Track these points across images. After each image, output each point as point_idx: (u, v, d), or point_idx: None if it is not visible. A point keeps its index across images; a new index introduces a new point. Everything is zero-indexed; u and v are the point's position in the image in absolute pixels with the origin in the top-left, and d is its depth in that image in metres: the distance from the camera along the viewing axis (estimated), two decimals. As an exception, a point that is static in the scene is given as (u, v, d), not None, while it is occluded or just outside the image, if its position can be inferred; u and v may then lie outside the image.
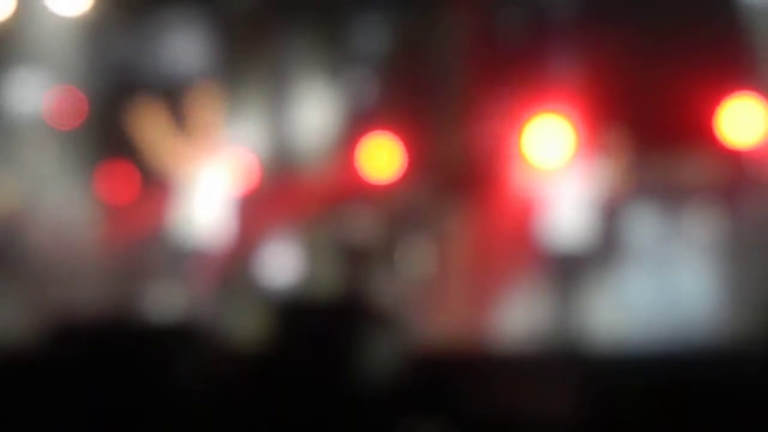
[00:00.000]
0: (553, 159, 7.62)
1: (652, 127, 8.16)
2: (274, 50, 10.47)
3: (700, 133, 8.02)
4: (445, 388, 4.63)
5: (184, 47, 11.59)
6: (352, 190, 9.45)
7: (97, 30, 10.51)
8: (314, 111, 10.05)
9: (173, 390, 4.40)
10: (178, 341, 4.51)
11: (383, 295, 8.48)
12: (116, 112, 9.81)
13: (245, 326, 9.40)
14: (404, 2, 9.89)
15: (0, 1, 9.99)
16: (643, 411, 4.13)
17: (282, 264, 10.02)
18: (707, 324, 7.82)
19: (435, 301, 8.73)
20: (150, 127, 6.09)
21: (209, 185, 6.04)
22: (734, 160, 8.02)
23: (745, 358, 4.61)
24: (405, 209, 9.04)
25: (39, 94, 11.37)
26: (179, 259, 6.02)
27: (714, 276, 8.11)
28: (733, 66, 7.98)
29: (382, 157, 9.19)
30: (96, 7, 10.17)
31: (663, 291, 8.20)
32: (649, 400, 4.11)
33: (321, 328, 4.33)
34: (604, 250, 8.09)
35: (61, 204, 9.28)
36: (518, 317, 7.91)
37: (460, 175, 8.56)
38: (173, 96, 8.63)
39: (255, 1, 10.62)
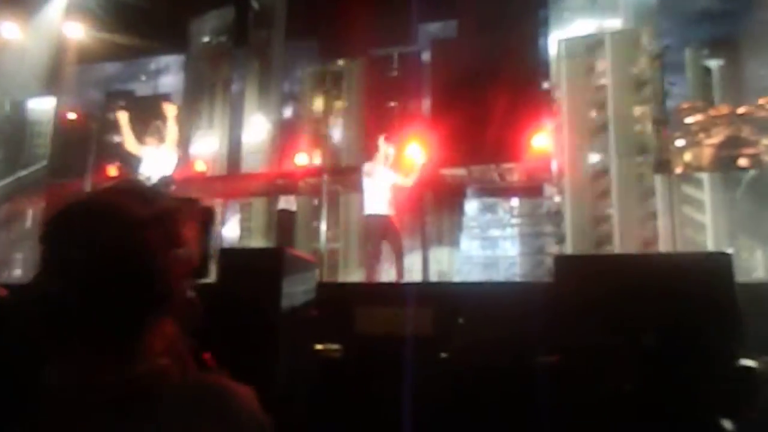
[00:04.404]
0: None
1: (486, 149, 8.34)
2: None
3: (516, 151, 8.10)
4: (343, 309, 4.67)
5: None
6: (282, 180, 9.40)
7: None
8: (256, 129, 9.99)
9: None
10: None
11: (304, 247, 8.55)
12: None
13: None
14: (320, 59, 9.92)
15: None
16: (472, 321, 4.39)
17: (233, 224, 9.96)
18: (510, 265, 8.33)
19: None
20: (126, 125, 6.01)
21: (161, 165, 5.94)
22: (534, 170, 8.23)
23: (531, 288, 4.87)
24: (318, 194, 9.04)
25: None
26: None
27: (515, 236, 8.57)
28: (535, 112, 8.09)
29: (303, 162, 9.13)
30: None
31: (485, 244, 8.61)
32: (475, 314, 4.37)
33: (254, 266, 4.00)
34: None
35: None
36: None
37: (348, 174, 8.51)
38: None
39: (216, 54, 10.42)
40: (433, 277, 8.00)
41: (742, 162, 7.46)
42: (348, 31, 9.08)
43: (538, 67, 8.53)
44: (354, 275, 8.63)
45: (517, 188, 8.56)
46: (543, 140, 7.78)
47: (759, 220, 7.03)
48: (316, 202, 9.12)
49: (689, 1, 9.08)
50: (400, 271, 6.15)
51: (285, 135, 9.86)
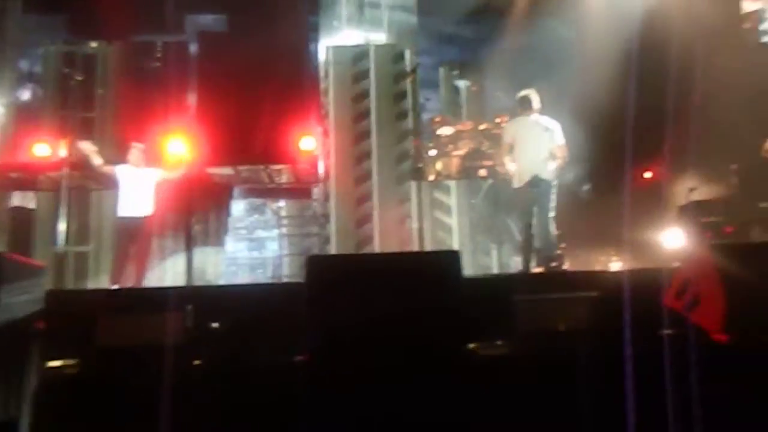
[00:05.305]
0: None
1: (255, 149, 8.26)
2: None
3: (285, 153, 8.13)
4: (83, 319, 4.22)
5: None
6: (16, 174, 8.11)
7: None
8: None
9: None
10: None
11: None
12: None
13: None
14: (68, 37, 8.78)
15: None
16: (229, 324, 4.26)
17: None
18: (277, 267, 8.37)
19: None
20: None
21: None
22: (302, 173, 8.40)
23: (287, 288, 4.92)
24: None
25: None
26: None
27: (283, 237, 8.63)
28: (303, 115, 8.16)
29: (44, 153, 7.96)
30: None
31: (252, 245, 8.51)
32: (232, 317, 4.25)
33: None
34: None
35: None
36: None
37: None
38: None
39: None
40: (198, 281, 7.64)
41: (482, 172, 8.54)
42: (103, 9, 8.21)
43: (309, 71, 8.73)
44: (107, 282, 7.84)
45: (286, 190, 8.61)
46: (311, 143, 7.94)
47: (493, 223, 8.10)
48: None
49: (443, 24, 10.08)
50: (139, 278, 5.83)
51: (21, 121, 8.53)
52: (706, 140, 6.36)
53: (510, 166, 5.62)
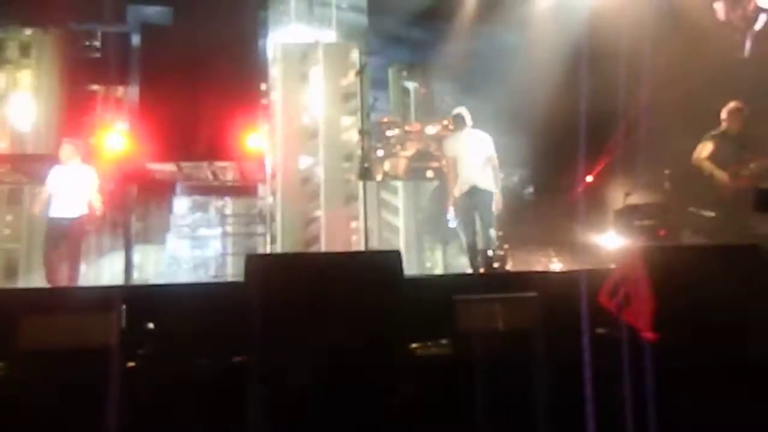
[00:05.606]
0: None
1: (199, 145, 8.03)
2: None
3: (231, 150, 8.02)
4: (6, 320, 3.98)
5: None
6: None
7: None
8: None
9: None
10: None
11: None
12: None
13: None
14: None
15: None
16: (166, 325, 4.08)
17: None
18: (220, 266, 8.16)
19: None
20: None
21: None
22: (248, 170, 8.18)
23: (227, 287, 4.76)
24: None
25: None
26: None
27: (227, 236, 8.43)
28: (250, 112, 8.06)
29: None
30: None
31: (195, 244, 8.25)
32: (169, 317, 4.07)
33: None
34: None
35: None
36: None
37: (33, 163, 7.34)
38: None
39: None
40: (137, 280, 7.39)
41: (429, 173, 8.60)
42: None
43: (256, 67, 8.54)
44: (40, 281, 7.47)
45: (231, 188, 8.42)
46: (257, 140, 7.79)
47: (438, 224, 8.15)
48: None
49: (393, 25, 10.08)
50: (71, 279, 5.56)
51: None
52: (643, 146, 6.57)
53: (452, 185, 5.82)
